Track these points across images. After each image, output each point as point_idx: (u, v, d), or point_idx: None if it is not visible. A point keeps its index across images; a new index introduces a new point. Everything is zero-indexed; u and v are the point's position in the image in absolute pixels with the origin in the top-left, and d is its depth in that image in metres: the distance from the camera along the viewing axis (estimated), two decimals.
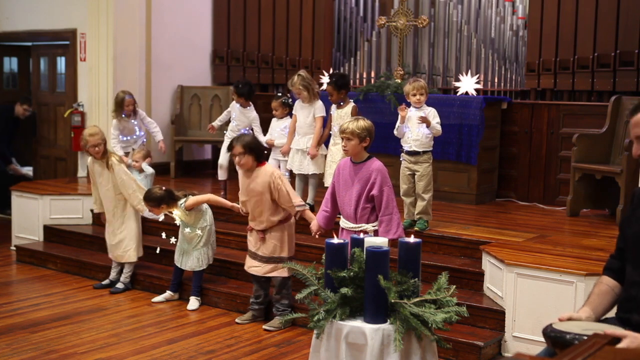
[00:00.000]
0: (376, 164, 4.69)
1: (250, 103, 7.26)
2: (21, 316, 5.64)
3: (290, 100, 6.95)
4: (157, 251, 6.42)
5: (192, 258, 5.93)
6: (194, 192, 6.13)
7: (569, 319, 2.87)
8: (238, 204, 5.62)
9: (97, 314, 5.72)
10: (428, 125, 5.87)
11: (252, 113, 7.26)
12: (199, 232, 5.87)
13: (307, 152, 6.61)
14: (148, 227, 6.77)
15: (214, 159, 9.24)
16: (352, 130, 4.63)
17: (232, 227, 6.74)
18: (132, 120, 7.47)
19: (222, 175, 7.36)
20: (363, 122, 4.69)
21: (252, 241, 5.50)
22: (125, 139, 7.48)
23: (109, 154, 6.21)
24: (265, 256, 5.40)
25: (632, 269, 2.94)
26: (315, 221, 5.01)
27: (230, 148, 5.43)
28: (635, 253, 2.94)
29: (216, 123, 7.47)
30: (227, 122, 7.47)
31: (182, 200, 5.84)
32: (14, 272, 7.07)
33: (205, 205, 5.96)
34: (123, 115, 7.36)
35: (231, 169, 7.58)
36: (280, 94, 7.04)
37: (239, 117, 7.24)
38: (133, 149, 7.57)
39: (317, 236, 5.05)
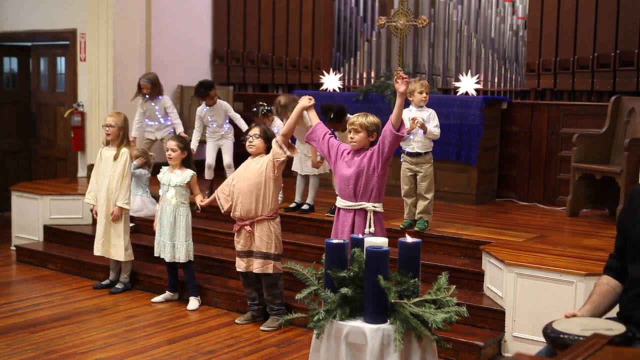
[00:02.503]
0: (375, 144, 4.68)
1: (215, 97, 7.33)
2: (21, 316, 5.64)
3: (264, 108, 6.96)
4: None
5: (176, 250, 5.87)
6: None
7: (574, 317, 2.87)
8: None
9: (97, 314, 5.73)
10: (425, 130, 5.87)
11: (222, 103, 7.35)
12: (170, 196, 5.83)
13: (308, 156, 6.59)
14: (146, 228, 6.77)
15: None
16: (361, 123, 4.63)
17: (231, 227, 6.72)
18: (152, 104, 7.56)
19: (209, 175, 7.45)
20: (372, 118, 4.69)
21: (240, 241, 5.47)
22: (149, 123, 7.61)
23: (121, 145, 6.17)
24: (252, 251, 5.39)
25: (636, 271, 2.93)
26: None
27: (247, 131, 5.54)
28: None
29: (194, 144, 7.29)
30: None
31: (192, 173, 5.88)
32: (14, 272, 7.07)
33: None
34: (146, 97, 7.52)
35: (217, 167, 7.59)
36: (254, 109, 7.06)
37: (215, 116, 7.32)
38: (157, 138, 7.62)
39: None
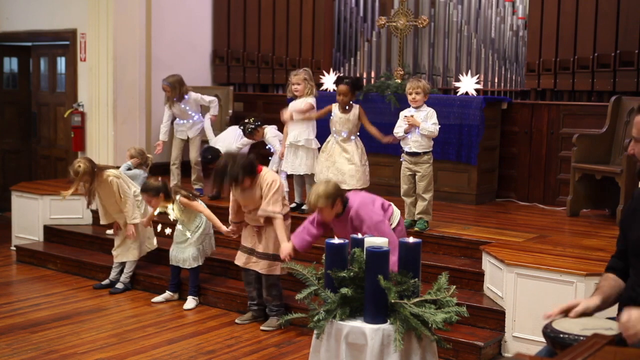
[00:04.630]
0: (353, 210, 4.41)
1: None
2: (21, 316, 5.64)
3: (250, 126, 6.98)
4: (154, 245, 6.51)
5: (181, 254, 5.94)
6: (195, 192, 6.16)
7: (577, 305, 2.86)
8: (229, 226, 5.67)
9: (97, 314, 5.73)
10: (417, 126, 5.87)
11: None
12: (188, 234, 5.90)
13: (299, 147, 6.58)
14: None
15: None
16: (314, 204, 4.38)
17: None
18: (181, 105, 7.55)
19: None
20: (320, 193, 4.35)
21: (247, 237, 5.48)
22: (180, 122, 7.65)
23: (103, 174, 6.14)
24: (260, 252, 5.39)
25: (635, 273, 2.94)
26: (289, 244, 4.85)
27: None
28: (638, 258, 2.93)
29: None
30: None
31: (178, 196, 5.87)
32: (14, 272, 7.07)
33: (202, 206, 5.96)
34: (174, 100, 7.52)
35: None
36: (241, 128, 7.09)
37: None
38: (189, 137, 7.67)
39: (286, 259, 4.81)
